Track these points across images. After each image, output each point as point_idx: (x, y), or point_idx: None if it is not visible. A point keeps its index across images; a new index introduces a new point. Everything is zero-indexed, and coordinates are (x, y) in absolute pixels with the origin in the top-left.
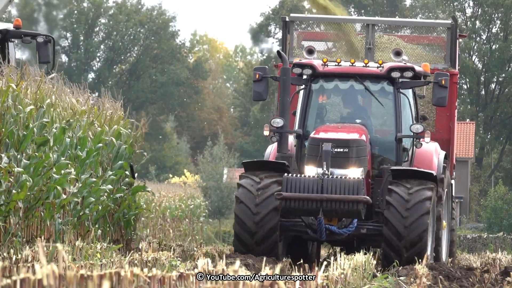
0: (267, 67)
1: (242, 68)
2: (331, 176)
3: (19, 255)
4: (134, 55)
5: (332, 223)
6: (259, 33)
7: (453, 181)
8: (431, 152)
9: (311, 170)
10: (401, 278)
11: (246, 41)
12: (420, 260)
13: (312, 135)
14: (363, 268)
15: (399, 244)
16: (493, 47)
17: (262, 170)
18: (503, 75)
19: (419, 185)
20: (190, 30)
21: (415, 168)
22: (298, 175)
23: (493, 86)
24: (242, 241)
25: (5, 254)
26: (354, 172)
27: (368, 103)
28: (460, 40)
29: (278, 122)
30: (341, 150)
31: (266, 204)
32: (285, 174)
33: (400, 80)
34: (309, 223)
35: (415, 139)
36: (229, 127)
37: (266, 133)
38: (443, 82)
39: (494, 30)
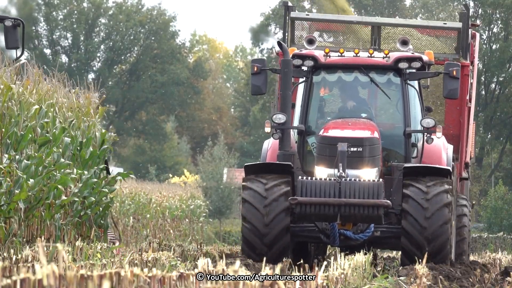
0: (265, 58)
1: (242, 68)
2: (348, 178)
3: (19, 255)
4: (134, 55)
5: (347, 228)
6: (259, 33)
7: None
8: (439, 147)
9: (322, 171)
10: (401, 278)
11: (246, 41)
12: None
13: (321, 133)
14: (363, 268)
15: (420, 237)
16: (494, 47)
17: (266, 173)
18: (503, 75)
19: (436, 180)
20: (190, 30)
21: (429, 165)
22: (313, 178)
23: (493, 86)
24: (251, 244)
25: (5, 254)
26: (369, 173)
27: (374, 95)
28: (472, 30)
29: (280, 118)
30: (355, 149)
31: (276, 205)
32: (299, 177)
33: (408, 71)
34: (322, 228)
35: (425, 134)
36: (229, 127)
37: (267, 129)
38: (454, 73)
39: (494, 30)
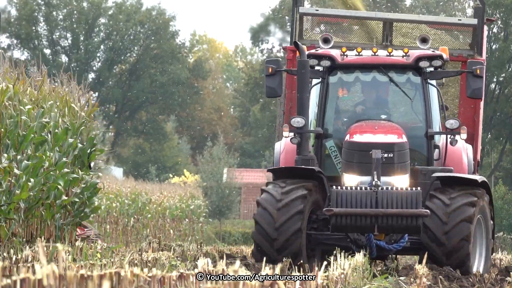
0: (280, 59)
1: (242, 68)
2: (385, 187)
3: (19, 255)
4: (134, 55)
5: (379, 238)
6: (259, 33)
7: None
8: (460, 149)
9: (351, 179)
10: (401, 278)
11: (246, 41)
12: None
13: (348, 138)
14: (363, 268)
15: (439, 252)
16: (493, 47)
17: (293, 178)
18: (503, 75)
19: (465, 190)
20: (189, 30)
21: (464, 175)
22: (347, 187)
23: (493, 86)
24: (262, 249)
25: (5, 254)
26: (400, 180)
27: (393, 96)
28: (488, 25)
29: (298, 121)
30: (386, 155)
31: (288, 208)
32: (333, 187)
33: (428, 70)
34: (354, 239)
35: (449, 136)
36: (229, 127)
37: (285, 134)
38: (478, 72)
39: (494, 30)
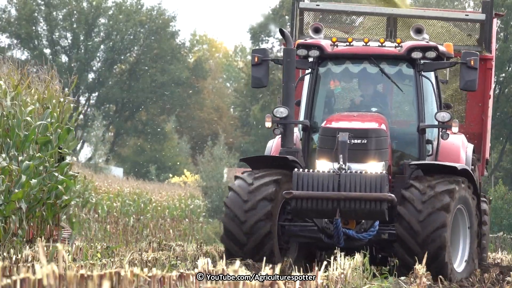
0: (267, 48)
1: (242, 67)
2: (348, 171)
3: (19, 255)
4: (134, 55)
5: (349, 227)
6: (259, 33)
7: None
8: (458, 145)
9: (323, 165)
10: (401, 278)
11: (246, 41)
12: (440, 263)
13: (323, 124)
14: (363, 268)
15: (413, 242)
16: None
17: (266, 167)
18: (503, 75)
19: (444, 178)
20: (189, 30)
21: (444, 162)
22: (310, 170)
23: (493, 86)
24: (232, 254)
25: (5, 254)
26: (374, 167)
27: (385, 88)
28: (497, 20)
29: (281, 112)
30: (359, 141)
31: (257, 210)
32: (295, 169)
33: (422, 61)
34: (323, 227)
35: (441, 129)
36: (229, 127)
37: (268, 124)
38: (472, 63)
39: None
